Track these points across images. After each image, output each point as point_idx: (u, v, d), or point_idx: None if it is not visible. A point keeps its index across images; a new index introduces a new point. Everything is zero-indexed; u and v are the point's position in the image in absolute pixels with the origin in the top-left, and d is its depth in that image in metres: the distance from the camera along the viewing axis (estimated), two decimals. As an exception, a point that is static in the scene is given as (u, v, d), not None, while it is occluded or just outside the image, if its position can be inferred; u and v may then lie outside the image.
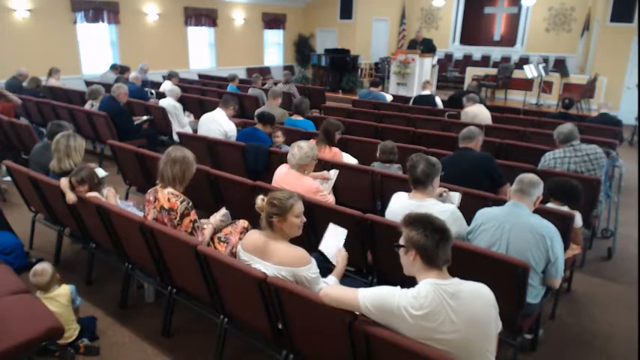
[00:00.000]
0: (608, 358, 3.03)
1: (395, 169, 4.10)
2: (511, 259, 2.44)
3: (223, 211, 3.16)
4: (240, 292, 2.45)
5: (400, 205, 2.87)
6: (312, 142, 3.82)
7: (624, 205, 5.16)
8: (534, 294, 2.66)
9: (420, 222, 1.84)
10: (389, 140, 4.29)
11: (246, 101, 8.13)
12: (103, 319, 3.17)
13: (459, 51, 16.40)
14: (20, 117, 6.91)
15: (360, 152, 4.80)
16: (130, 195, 4.86)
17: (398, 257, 1.93)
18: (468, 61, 15.92)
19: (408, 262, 1.86)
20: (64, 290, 2.88)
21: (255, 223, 2.52)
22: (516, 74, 12.53)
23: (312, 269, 2.28)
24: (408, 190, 2.92)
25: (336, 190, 3.91)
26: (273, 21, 15.27)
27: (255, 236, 2.41)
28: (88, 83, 8.57)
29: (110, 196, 3.29)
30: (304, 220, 2.39)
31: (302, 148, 3.34)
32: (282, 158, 4.01)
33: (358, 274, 3.20)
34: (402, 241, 1.89)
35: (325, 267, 2.58)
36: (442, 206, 2.79)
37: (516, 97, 12.46)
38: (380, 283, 2.87)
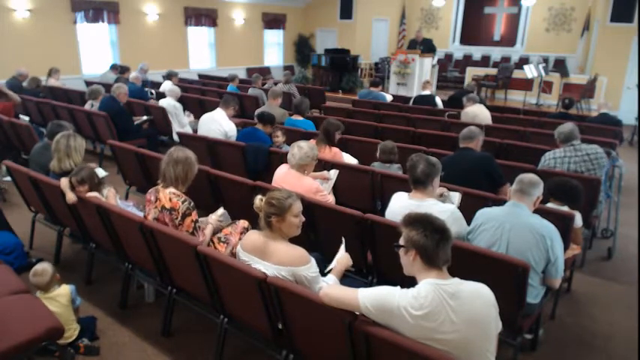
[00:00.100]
0: (608, 358, 3.03)
1: (395, 169, 4.10)
2: (511, 259, 2.44)
3: (221, 210, 3.17)
4: (240, 292, 2.45)
5: (400, 205, 2.87)
6: (312, 142, 3.82)
7: (624, 205, 5.16)
8: (534, 294, 2.66)
9: (419, 222, 1.84)
10: (389, 140, 4.29)
11: (246, 101, 8.14)
12: (103, 319, 3.17)
13: (459, 51, 16.40)
14: (19, 115, 6.90)
15: (360, 152, 4.80)
16: (130, 195, 4.86)
17: (398, 257, 1.93)
18: (468, 61, 15.91)
19: (408, 262, 1.86)
20: (64, 290, 2.88)
21: (255, 223, 2.52)
22: (516, 74, 12.53)
23: (311, 268, 2.29)
24: (408, 190, 2.92)
25: (336, 190, 3.91)
26: (273, 21, 15.27)
27: (254, 236, 2.41)
28: (88, 83, 8.56)
29: (110, 196, 3.29)
30: (303, 219, 2.39)
31: (302, 148, 3.34)
32: (282, 158, 4.01)
33: (358, 274, 3.19)
34: (401, 241, 1.89)
35: (325, 267, 2.58)
36: (442, 206, 2.79)
37: (516, 97, 12.47)
38: (380, 283, 2.86)
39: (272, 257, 2.30)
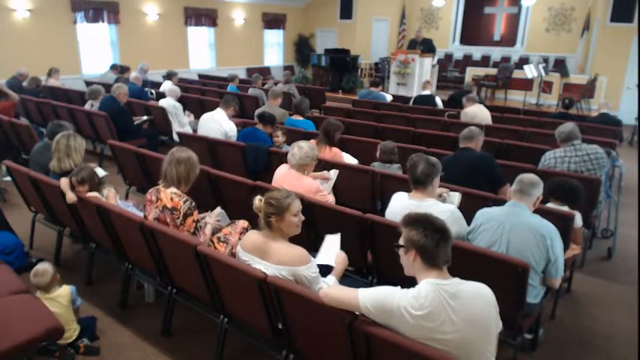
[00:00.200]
0: (608, 358, 3.03)
1: (395, 169, 4.10)
2: (511, 259, 2.44)
3: (218, 210, 3.17)
4: (240, 292, 2.45)
5: (400, 205, 2.87)
6: (312, 142, 3.82)
7: (624, 205, 5.16)
8: (534, 294, 2.66)
9: (419, 222, 1.84)
10: (389, 140, 4.29)
11: (246, 101, 8.14)
12: (103, 319, 3.17)
13: (459, 51, 16.40)
14: (20, 116, 6.90)
15: (360, 152, 4.80)
16: (130, 195, 4.85)
17: (398, 257, 1.93)
18: (468, 61, 15.91)
19: (408, 262, 1.86)
20: (65, 291, 2.88)
21: (254, 224, 2.52)
22: (516, 74, 12.53)
23: (311, 268, 2.29)
24: (408, 190, 2.92)
25: (336, 190, 3.91)
26: (273, 21, 15.27)
27: (254, 236, 2.41)
28: (88, 83, 8.57)
29: (110, 197, 3.29)
30: (302, 218, 2.40)
31: (302, 148, 3.34)
32: (282, 158, 4.01)
33: (358, 274, 3.20)
34: (401, 241, 1.89)
35: (325, 267, 2.58)
36: (442, 206, 2.79)
37: (516, 97, 12.47)
38: (380, 283, 2.87)
39: (272, 257, 2.30)
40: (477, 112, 6.40)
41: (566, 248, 2.91)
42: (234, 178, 3.69)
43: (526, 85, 12.17)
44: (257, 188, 3.38)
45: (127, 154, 4.58)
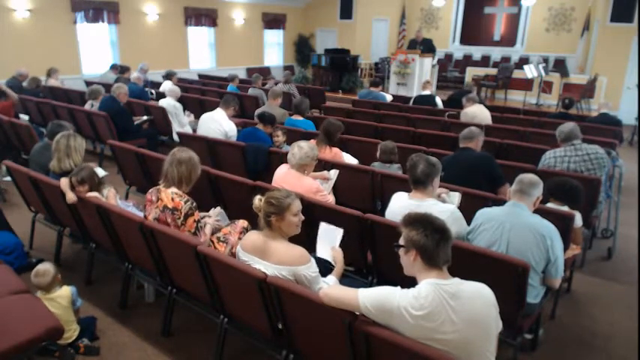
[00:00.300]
0: (608, 358, 3.03)
1: (395, 169, 4.10)
2: (511, 259, 2.44)
3: (218, 210, 3.17)
4: (240, 292, 2.45)
5: (400, 205, 2.87)
6: (313, 142, 3.82)
7: (624, 205, 5.16)
8: (534, 294, 2.66)
9: (419, 222, 1.84)
10: (389, 140, 4.29)
11: (246, 101, 8.14)
12: (103, 319, 3.17)
13: (459, 51, 16.40)
14: (19, 115, 6.90)
15: (360, 152, 4.80)
16: (130, 195, 4.86)
17: (398, 257, 1.93)
18: (468, 61, 15.91)
19: (409, 262, 1.86)
20: (65, 292, 2.88)
21: (254, 224, 2.52)
22: (516, 74, 12.53)
23: (311, 268, 2.29)
24: (408, 190, 2.92)
25: (336, 190, 3.91)
26: (273, 21, 15.27)
27: (254, 236, 2.41)
28: (88, 83, 8.56)
29: (110, 197, 3.29)
30: (302, 218, 2.40)
31: (302, 148, 3.34)
32: (282, 158, 4.01)
33: (358, 274, 3.20)
34: (402, 241, 1.89)
35: (325, 267, 2.58)
36: (442, 206, 2.79)
37: (516, 97, 12.47)
38: (380, 283, 2.87)
39: (272, 257, 2.30)
40: (476, 113, 6.39)
41: (566, 248, 2.91)
42: (234, 178, 3.69)
43: (526, 85, 12.17)
44: (257, 188, 3.38)
45: (127, 154, 4.58)
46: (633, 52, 11.07)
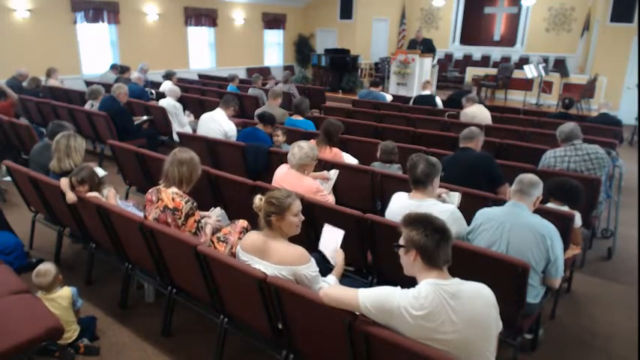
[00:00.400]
0: (608, 358, 3.03)
1: (395, 169, 4.10)
2: (511, 259, 2.44)
3: (219, 211, 3.17)
4: (240, 292, 2.45)
5: (400, 205, 2.87)
6: (313, 142, 3.82)
7: (624, 205, 5.16)
8: (534, 294, 2.66)
9: (420, 222, 1.84)
10: (389, 140, 4.29)
11: (246, 101, 8.14)
12: (103, 319, 3.17)
13: (459, 51, 16.40)
14: (20, 117, 6.90)
15: (360, 152, 4.80)
16: (130, 195, 4.86)
17: (398, 257, 1.93)
18: (468, 61, 15.91)
19: (409, 262, 1.86)
20: (66, 292, 2.88)
21: (254, 224, 2.52)
22: (516, 74, 12.53)
23: (311, 267, 2.29)
24: (408, 190, 2.92)
25: (336, 190, 3.91)
26: (273, 21, 15.27)
27: (254, 236, 2.41)
28: (88, 83, 8.56)
29: (110, 197, 3.29)
30: (302, 218, 2.40)
31: (302, 148, 3.34)
32: (282, 158, 4.01)
33: (358, 274, 3.20)
34: (402, 241, 1.89)
35: (325, 267, 2.58)
36: (442, 206, 2.79)
37: (516, 97, 12.47)
38: (380, 283, 2.87)
39: (272, 257, 2.30)
40: (476, 113, 6.39)
41: (566, 248, 2.91)
42: (234, 178, 3.69)
43: (526, 85, 12.17)
44: (257, 188, 3.37)
45: (127, 154, 4.58)
46: (633, 52, 11.07)
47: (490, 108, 6.93)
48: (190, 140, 5.28)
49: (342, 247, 2.69)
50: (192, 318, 3.17)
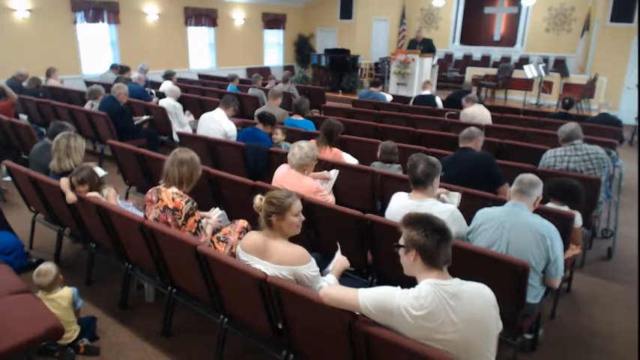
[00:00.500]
0: (608, 358, 3.03)
1: (395, 169, 4.10)
2: (511, 259, 2.44)
3: (219, 212, 3.17)
4: (240, 292, 2.45)
5: (400, 205, 2.87)
6: (313, 142, 3.82)
7: (624, 205, 5.16)
8: (534, 294, 2.66)
9: (420, 222, 1.84)
10: (389, 140, 4.29)
11: (246, 101, 8.14)
12: (103, 319, 3.17)
13: (459, 51, 16.40)
14: (19, 115, 6.89)
15: (360, 152, 4.79)
16: (130, 195, 4.86)
17: (398, 257, 1.93)
18: (468, 61, 15.92)
19: (409, 262, 1.86)
20: (66, 293, 2.88)
21: (254, 224, 2.52)
22: (516, 74, 12.53)
23: (312, 267, 2.29)
24: (408, 190, 2.92)
25: (336, 190, 3.91)
26: (273, 21, 15.27)
27: (254, 236, 2.41)
28: (88, 83, 8.56)
29: (110, 197, 3.29)
30: (303, 218, 2.40)
31: (302, 148, 3.34)
32: (282, 158, 4.01)
33: (358, 274, 3.19)
34: (402, 241, 1.89)
35: (325, 267, 2.58)
36: (442, 206, 2.79)
37: (516, 97, 12.47)
38: (380, 283, 2.87)
39: (272, 257, 2.30)
40: (476, 113, 6.39)
41: (566, 248, 2.91)
42: (234, 178, 3.69)
43: (526, 85, 12.17)
44: (257, 188, 3.37)
45: (127, 154, 4.58)
46: (633, 52, 11.07)
47: (490, 108, 6.93)
48: (190, 140, 5.28)
49: (342, 247, 2.69)
50: (192, 318, 3.17)
